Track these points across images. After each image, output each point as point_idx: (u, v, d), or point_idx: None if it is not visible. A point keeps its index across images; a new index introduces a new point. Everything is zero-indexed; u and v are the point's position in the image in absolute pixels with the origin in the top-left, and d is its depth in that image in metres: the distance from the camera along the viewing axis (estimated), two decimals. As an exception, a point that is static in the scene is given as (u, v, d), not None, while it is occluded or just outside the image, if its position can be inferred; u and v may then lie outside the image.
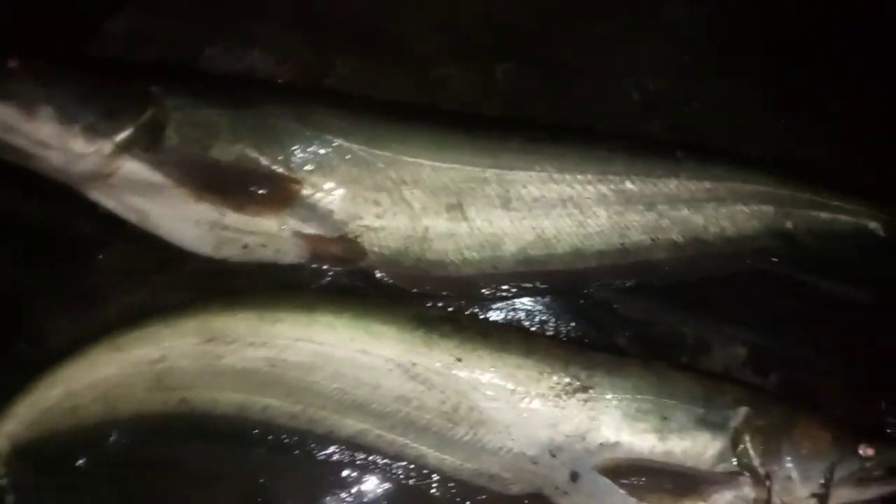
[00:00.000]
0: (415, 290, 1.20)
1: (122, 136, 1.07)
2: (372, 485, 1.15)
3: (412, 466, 1.13)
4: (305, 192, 1.13)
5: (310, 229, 1.15)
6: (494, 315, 1.26)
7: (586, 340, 1.25)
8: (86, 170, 1.07)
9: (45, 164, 1.08)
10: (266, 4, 1.35)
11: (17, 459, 1.06)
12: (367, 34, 1.36)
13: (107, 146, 1.06)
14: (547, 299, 1.27)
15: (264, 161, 1.11)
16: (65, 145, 1.05)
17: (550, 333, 1.25)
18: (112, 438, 1.09)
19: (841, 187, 1.34)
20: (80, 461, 1.09)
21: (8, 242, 1.20)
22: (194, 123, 1.10)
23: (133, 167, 1.08)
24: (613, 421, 1.09)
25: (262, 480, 1.13)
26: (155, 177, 1.09)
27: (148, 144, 1.08)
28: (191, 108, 1.11)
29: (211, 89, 1.16)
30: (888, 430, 1.24)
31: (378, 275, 1.19)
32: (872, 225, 1.34)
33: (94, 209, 1.15)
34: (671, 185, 1.26)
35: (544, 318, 1.27)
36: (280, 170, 1.11)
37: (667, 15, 1.42)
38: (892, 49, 1.41)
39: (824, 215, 1.33)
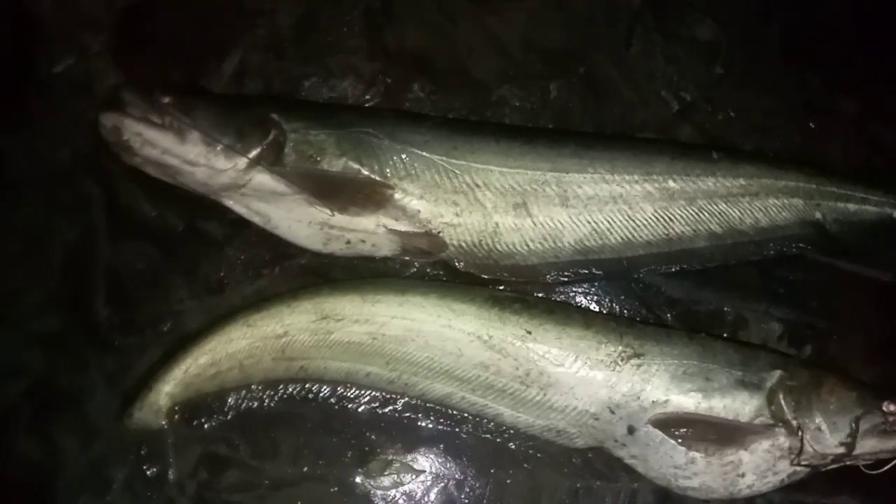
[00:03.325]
0: (487, 277, 1.41)
1: (253, 153, 1.31)
2: (458, 439, 1.36)
3: (492, 424, 1.34)
4: (397, 195, 1.34)
5: (400, 227, 1.36)
6: (557, 297, 1.46)
7: (637, 318, 1.45)
8: (224, 182, 1.32)
9: (191, 179, 1.33)
10: (347, 40, 1.57)
11: (175, 412, 1.32)
12: (436, 63, 1.58)
13: (242, 162, 1.30)
14: (602, 283, 1.46)
15: (363, 171, 1.34)
16: (209, 163, 1.30)
17: (606, 312, 1.45)
18: (245, 398, 1.33)
19: (865, 180, 1.50)
20: (220, 416, 1.33)
21: (155, 244, 1.45)
22: (307, 142, 1.33)
23: (261, 179, 1.32)
24: (663, 382, 1.27)
25: (366, 433, 1.35)
26: (278, 186, 1.32)
27: (272, 160, 1.32)
28: (303, 130, 1.34)
29: (318, 114, 1.39)
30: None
31: (456, 264, 1.39)
32: (896, 214, 1.50)
33: (220, 214, 1.41)
34: (709, 183, 1.43)
35: (600, 299, 1.47)
36: (376, 178, 1.34)
37: (698, 33, 1.61)
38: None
39: (851, 206, 1.48)
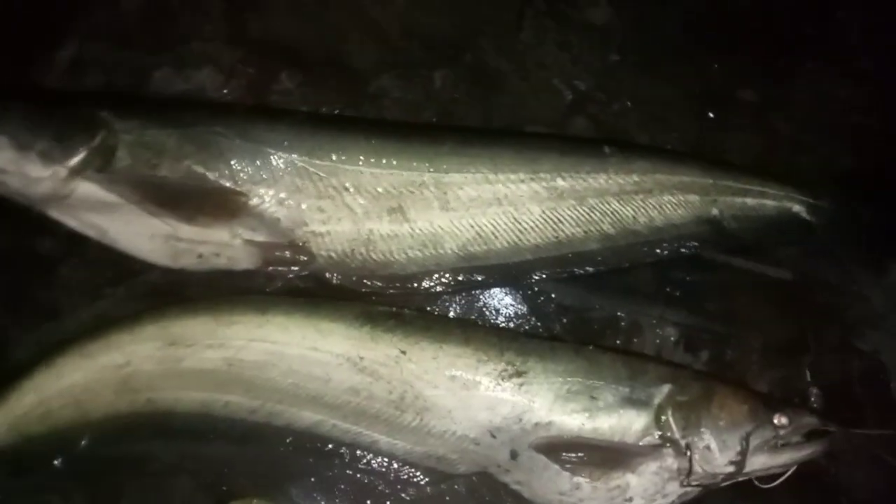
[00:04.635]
0: (364, 290, 1.28)
1: (76, 159, 1.14)
2: (330, 471, 1.23)
3: (367, 452, 1.22)
4: (252, 203, 1.20)
5: (260, 237, 1.22)
6: (440, 309, 1.34)
7: (526, 328, 1.34)
8: (43, 192, 1.15)
9: (5, 189, 1.16)
10: (204, 26, 1.41)
11: (-5, 464, 1.15)
12: (307, 51, 1.42)
13: (61, 170, 1.13)
14: (488, 291, 1.35)
15: (210, 176, 1.18)
16: (22, 171, 1.12)
17: (493, 323, 1.34)
18: (83, 439, 1.17)
19: (763, 174, 1.42)
20: (54, 462, 1.17)
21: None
22: (143, 144, 1.17)
23: (88, 188, 1.15)
24: (546, 402, 1.17)
25: (225, 471, 1.21)
26: (109, 196, 1.16)
27: (100, 166, 1.15)
28: (139, 129, 1.18)
29: (157, 111, 1.22)
30: (812, 400, 1.34)
31: (328, 276, 1.27)
32: (796, 208, 1.42)
33: (54, 227, 1.23)
34: (600, 180, 1.33)
35: (486, 309, 1.35)
36: (225, 183, 1.19)
37: (593, 18, 1.50)
38: (798, 40, 1.51)
39: (749, 201, 1.41)
